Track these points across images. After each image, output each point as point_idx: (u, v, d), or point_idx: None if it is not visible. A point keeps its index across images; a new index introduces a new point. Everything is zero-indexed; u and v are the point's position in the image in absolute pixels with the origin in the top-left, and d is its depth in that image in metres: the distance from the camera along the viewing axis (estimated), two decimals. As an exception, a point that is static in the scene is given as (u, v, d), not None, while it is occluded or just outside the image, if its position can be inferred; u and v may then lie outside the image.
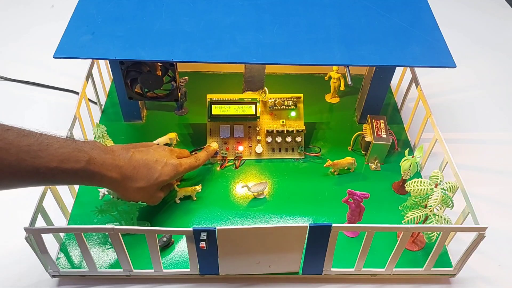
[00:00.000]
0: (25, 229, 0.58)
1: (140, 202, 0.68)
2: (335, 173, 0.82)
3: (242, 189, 0.79)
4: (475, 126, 0.98)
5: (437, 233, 0.63)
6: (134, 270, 0.66)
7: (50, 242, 0.66)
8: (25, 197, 0.65)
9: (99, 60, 0.90)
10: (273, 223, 0.74)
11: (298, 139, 0.84)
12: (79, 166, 0.58)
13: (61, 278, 0.68)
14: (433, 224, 0.64)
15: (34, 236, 0.59)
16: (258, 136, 0.84)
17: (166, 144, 0.82)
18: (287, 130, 0.83)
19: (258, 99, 0.84)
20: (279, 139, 0.83)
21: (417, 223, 0.66)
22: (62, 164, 0.57)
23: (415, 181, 0.67)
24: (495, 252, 0.75)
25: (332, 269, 0.67)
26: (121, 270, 0.66)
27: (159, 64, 0.76)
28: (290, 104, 0.84)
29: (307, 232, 0.59)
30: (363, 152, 0.85)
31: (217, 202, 0.77)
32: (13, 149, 0.53)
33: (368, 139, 0.81)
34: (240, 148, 0.84)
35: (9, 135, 0.53)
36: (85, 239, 0.60)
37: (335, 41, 0.73)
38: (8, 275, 0.69)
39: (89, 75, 0.84)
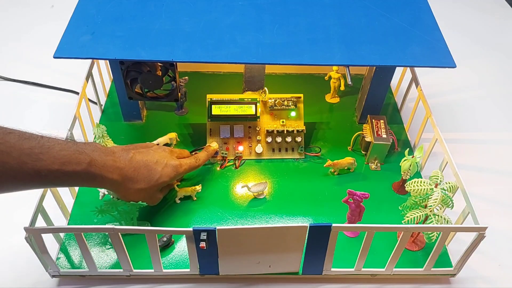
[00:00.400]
0: (25, 229, 0.58)
1: (140, 202, 0.68)
2: (335, 173, 0.82)
3: (242, 189, 0.79)
4: (475, 126, 0.98)
5: (437, 233, 0.63)
6: (134, 270, 0.66)
7: (50, 242, 0.66)
8: (25, 197, 0.65)
9: (99, 60, 0.90)
10: (273, 223, 0.74)
11: (298, 139, 0.84)
12: (81, 168, 0.58)
13: (61, 278, 0.68)
14: (433, 224, 0.64)
15: (34, 236, 0.59)
16: (258, 136, 0.84)
17: (166, 144, 0.83)
18: (287, 130, 0.83)
19: (258, 99, 0.84)
20: (279, 139, 0.83)
21: (417, 223, 0.66)
22: (63, 166, 0.57)
23: (415, 181, 0.67)
24: (495, 252, 0.75)
25: (332, 269, 0.67)
26: (121, 270, 0.66)
27: (159, 64, 0.76)
28: (290, 104, 0.84)
29: (307, 232, 0.59)
30: (363, 152, 0.85)
31: (217, 202, 0.77)
32: (15, 153, 0.53)
33: (368, 139, 0.81)
34: (240, 148, 0.84)
35: (11, 138, 0.53)
36: (85, 239, 0.60)
37: (335, 41, 0.73)
38: (8, 275, 0.69)
39: (89, 75, 0.84)
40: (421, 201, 0.67)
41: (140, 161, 0.66)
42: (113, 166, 0.63)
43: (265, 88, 0.84)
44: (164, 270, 0.66)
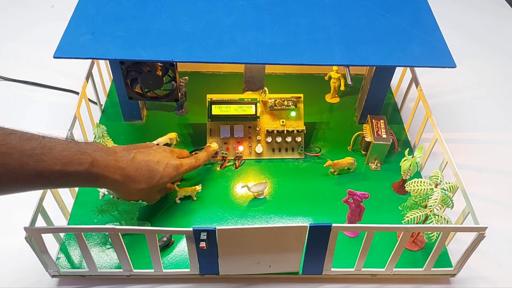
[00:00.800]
0: (25, 229, 0.58)
1: (140, 201, 0.68)
2: (335, 173, 0.82)
3: (242, 189, 0.79)
4: (475, 126, 0.98)
5: (437, 233, 0.63)
6: (134, 270, 0.66)
7: (50, 242, 0.66)
8: (25, 197, 0.65)
9: (99, 60, 0.90)
10: (273, 223, 0.74)
11: (298, 139, 0.84)
12: (83, 169, 0.58)
13: (61, 278, 0.68)
14: (433, 224, 0.64)
15: (34, 236, 0.59)
16: (258, 136, 0.84)
17: (166, 144, 0.83)
18: (287, 130, 0.83)
19: (258, 99, 0.84)
20: (279, 139, 0.83)
21: (417, 223, 0.66)
22: (65, 167, 0.56)
23: (415, 181, 0.67)
24: (495, 252, 0.75)
25: (332, 269, 0.67)
26: (121, 270, 0.66)
27: (159, 64, 0.76)
28: (290, 104, 0.84)
29: (307, 232, 0.59)
30: (363, 152, 0.85)
31: (217, 202, 0.77)
32: (16, 154, 0.52)
33: (368, 139, 0.81)
34: (240, 148, 0.84)
35: (12, 139, 0.53)
36: (85, 239, 0.60)
37: (335, 41, 0.73)
38: (8, 275, 0.69)
39: (89, 75, 0.84)
40: (421, 201, 0.67)
41: (142, 161, 0.66)
42: (115, 166, 0.63)
43: (265, 88, 0.84)
44: (164, 270, 0.66)
